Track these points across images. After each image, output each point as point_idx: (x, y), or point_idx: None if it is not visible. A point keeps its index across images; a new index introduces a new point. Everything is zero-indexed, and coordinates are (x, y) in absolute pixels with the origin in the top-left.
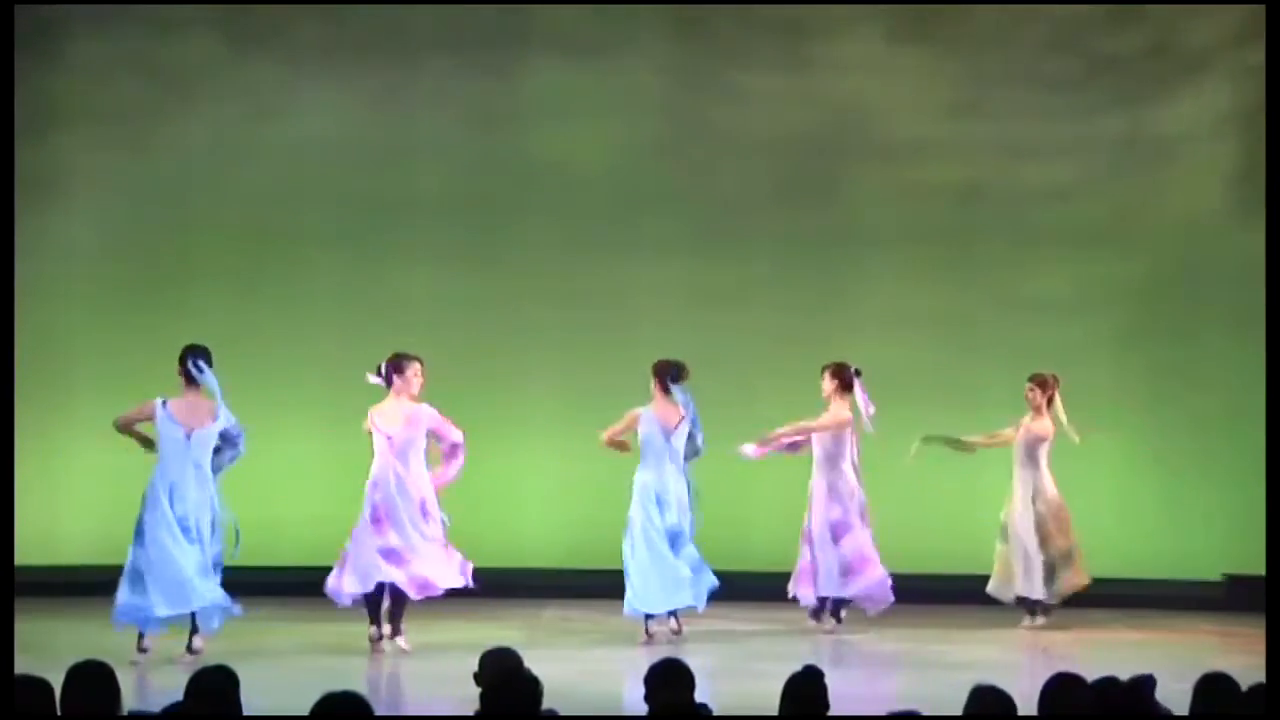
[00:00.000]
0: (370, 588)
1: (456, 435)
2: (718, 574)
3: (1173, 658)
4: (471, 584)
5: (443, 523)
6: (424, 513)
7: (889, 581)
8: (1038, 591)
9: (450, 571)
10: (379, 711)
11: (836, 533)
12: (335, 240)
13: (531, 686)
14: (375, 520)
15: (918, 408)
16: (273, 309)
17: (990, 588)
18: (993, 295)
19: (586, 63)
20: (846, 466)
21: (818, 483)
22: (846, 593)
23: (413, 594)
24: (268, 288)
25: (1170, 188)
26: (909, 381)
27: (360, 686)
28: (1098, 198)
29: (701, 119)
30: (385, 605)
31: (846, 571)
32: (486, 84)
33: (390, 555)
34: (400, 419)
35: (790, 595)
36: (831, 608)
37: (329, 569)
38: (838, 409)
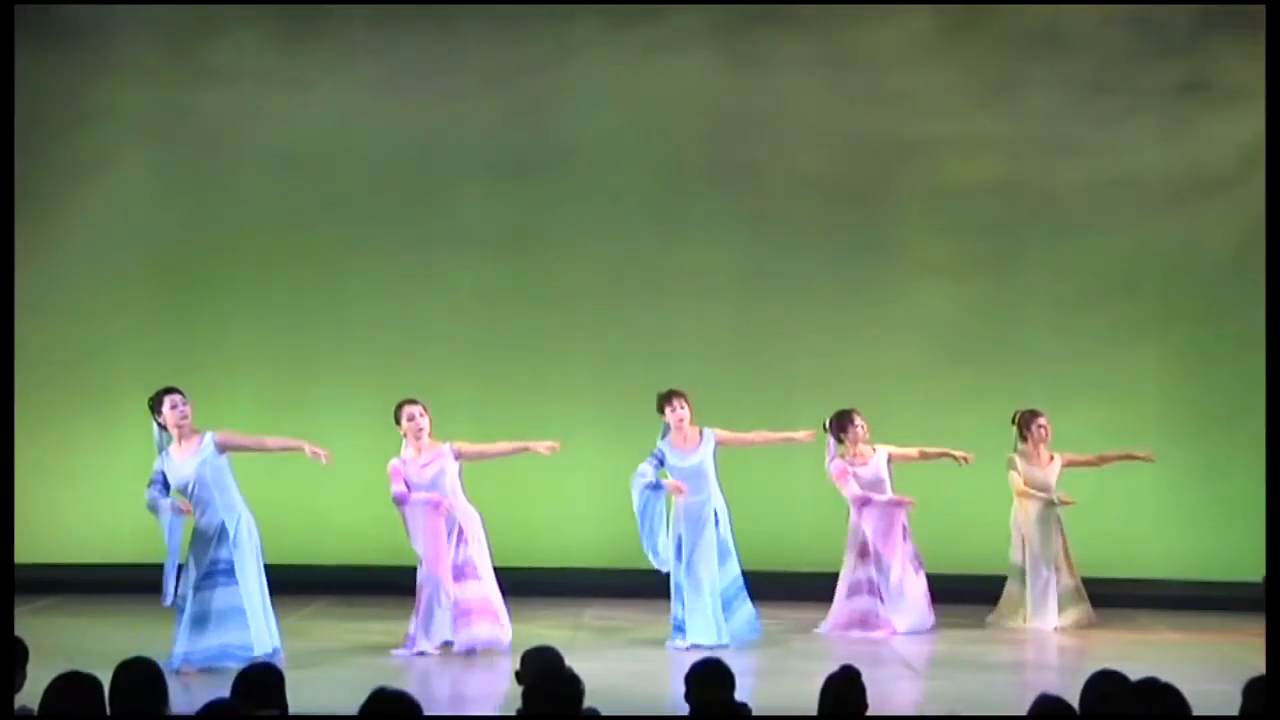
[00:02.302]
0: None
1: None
2: (759, 574)
3: (1215, 659)
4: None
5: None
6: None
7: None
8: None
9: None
10: (425, 709)
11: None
12: (377, 234)
13: (572, 686)
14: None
15: (958, 407)
16: (314, 304)
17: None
18: (1033, 292)
19: (630, 49)
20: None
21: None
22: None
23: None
24: (308, 283)
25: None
26: (945, 378)
27: (406, 684)
28: (1140, 194)
29: (746, 106)
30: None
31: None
32: (528, 74)
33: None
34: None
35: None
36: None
37: (373, 568)
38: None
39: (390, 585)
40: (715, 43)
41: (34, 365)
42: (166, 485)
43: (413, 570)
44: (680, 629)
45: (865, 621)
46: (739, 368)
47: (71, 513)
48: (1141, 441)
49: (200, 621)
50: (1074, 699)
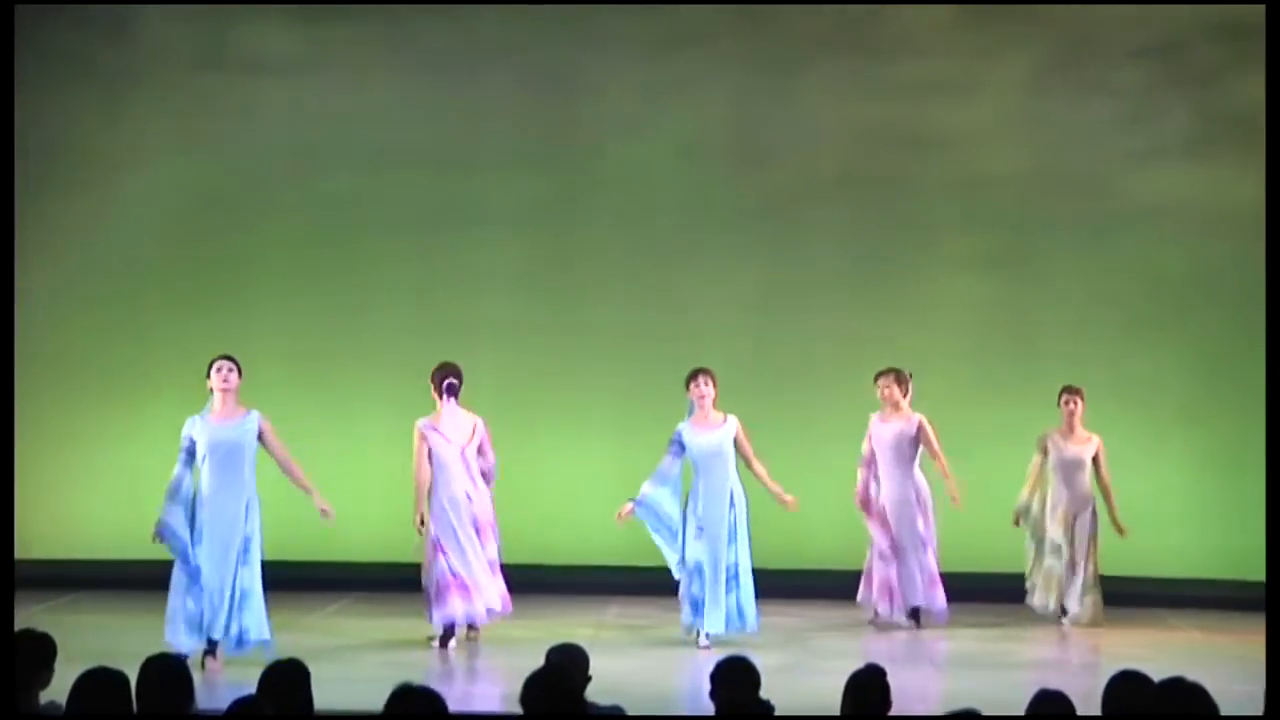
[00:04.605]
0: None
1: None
2: (779, 572)
3: (1241, 659)
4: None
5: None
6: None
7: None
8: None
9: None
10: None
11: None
12: (402, 237)
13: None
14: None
15: (985, 405)
16: (338, 301)
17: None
18: (1057, 288)
19: (652, 65)
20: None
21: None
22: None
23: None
24: (333, 281)
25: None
26: (974, 376)
27: (430, 681)
28: (1166, 188)
29: (770, 95)
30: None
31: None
32: (551, 87)
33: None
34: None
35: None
36: (909, 612)
37: (397, 564)
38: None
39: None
40: (741, 28)
41: (59, 359)
42: (193, 453)
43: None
44: (697, 608)
45: (887, 591)
46: (762, 362)
47: (99, 506)
48: (1165, 437)
49: (245, 597)
50: (1096, 699)
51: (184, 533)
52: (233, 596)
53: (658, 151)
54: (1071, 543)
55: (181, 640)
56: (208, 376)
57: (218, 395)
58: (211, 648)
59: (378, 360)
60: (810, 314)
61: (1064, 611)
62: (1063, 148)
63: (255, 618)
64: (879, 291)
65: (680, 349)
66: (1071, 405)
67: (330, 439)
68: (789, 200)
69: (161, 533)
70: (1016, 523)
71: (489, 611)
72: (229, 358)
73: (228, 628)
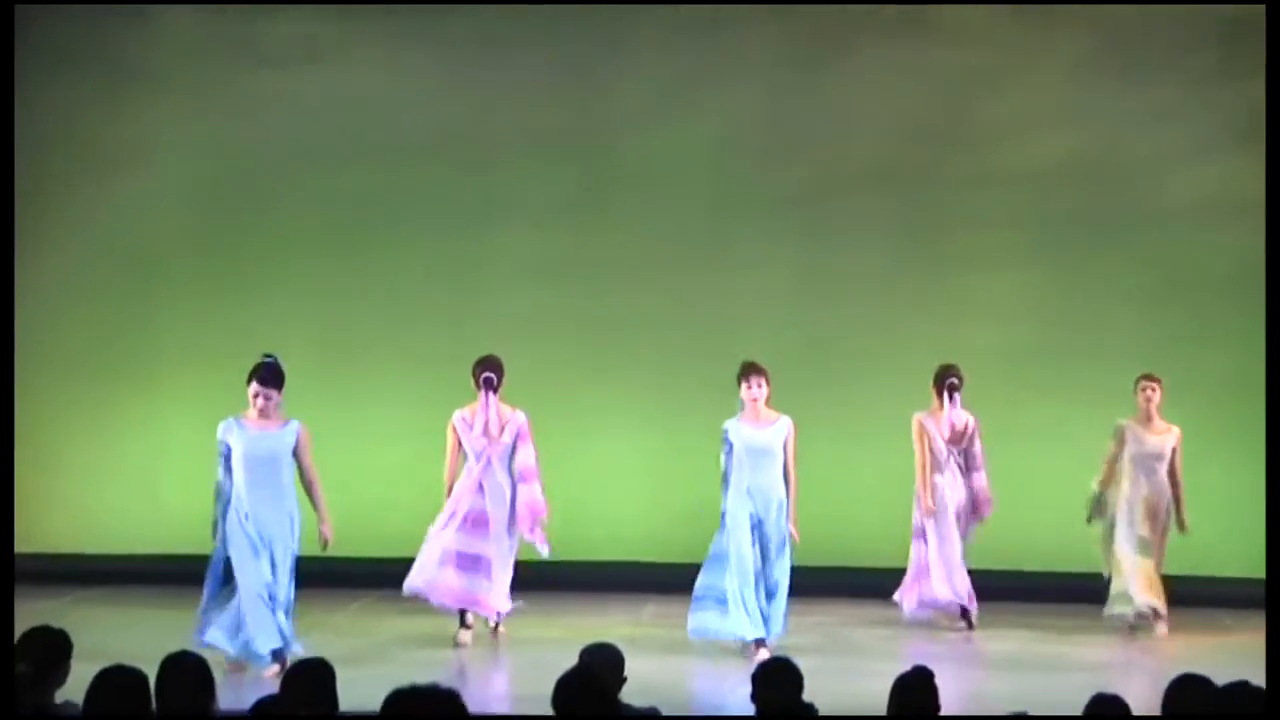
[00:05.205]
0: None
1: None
2: (825, 570)
3: None
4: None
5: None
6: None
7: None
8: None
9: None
10: (474, 707)
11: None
12: (428, 227)
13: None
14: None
15: (1032, 401)
16: (363, 288)
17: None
18: (1105, 280)
19: (687, 51)
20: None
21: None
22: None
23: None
24: (358, 269)
25: None
26: (1018, 371)
27: (456, 681)
28: (1217, 180)
29: (805, 89)
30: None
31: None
32: (580, 75)
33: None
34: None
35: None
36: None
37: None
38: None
39: None
40: (777, 26)
41: (74, 348)
42: (229, 458)
43: None
44: (721, 601)
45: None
46: (795, 369)
47: (115, 500)
48: (1223, 435)
49: (290, 613)
50: (1156, 704)
51: (229, 541)
52: (283, 608)
53: (691, 140)
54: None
55: (221, 641)
56: (249, 383)
57: (254, 410)
58: (276, 656)
59: (403, 352)
60: (849, 306)
61: (1156, 615)
62: (1110, 138)
63: (289, 628)
64: (918, 286)
65: (714, 343)
66: (1149, 393)
67: (352, 433)
68: (825, 191)
69: (213, 534)
70: (1090, 519)
71: (469, 600)
72: (271, 380)
73: (281, 635)
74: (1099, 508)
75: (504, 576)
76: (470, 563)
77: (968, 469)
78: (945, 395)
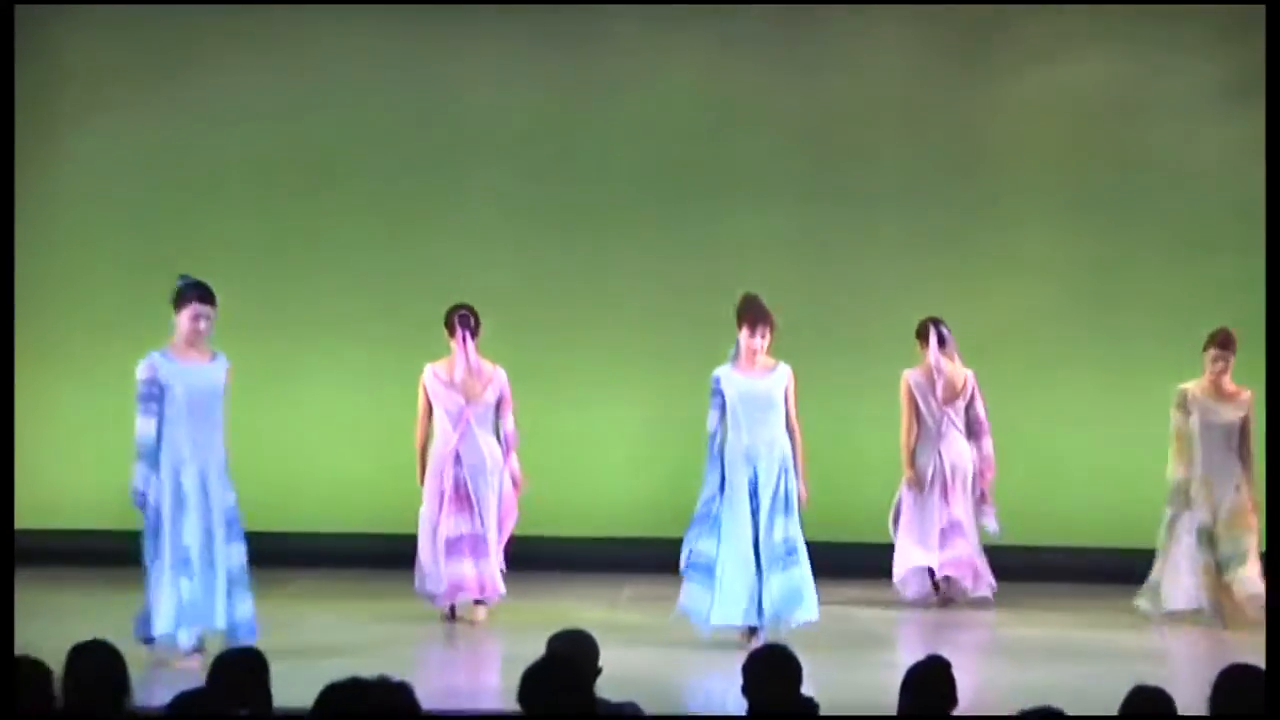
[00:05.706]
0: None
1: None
2: (826, 545)
3: None
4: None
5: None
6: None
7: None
8: None
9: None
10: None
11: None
12: (398, 188)
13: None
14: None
15: (1050, 365)
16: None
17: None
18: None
19: None
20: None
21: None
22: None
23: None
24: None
25: None
26: (1035, 334)
27: (412, 672)
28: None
29: (813, 54)
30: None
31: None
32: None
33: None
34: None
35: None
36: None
37: (359, 535)
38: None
39: (381, 556)
40: None
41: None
42: (159, 400)
43: (407, 538)
44: (709, 573)
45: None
46: (803, 331)
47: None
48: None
49: (235, 583)
50: (1194, 695)
51: (165, 503)
52: (226, 581)
53: (692, 104)
54: (1215, 524)
55: (179, 634)
56: (176, 308)
57: (187, 334)
58: (199, 643)
59: (343, 316)
60: (863, 262)
61: (1215, 610)
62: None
63: (247, 609)
64: (937, 240)
65: (713, 306)
66: (1214, 365)
67: (276, 397)
68: (836, 148)
69: (140, 504)
70: (1172, 503)
71: (490, 589)
72: (209, 299)
73: (228, 616)
74: (1182, 490)
75: (499, 553)
76: (474, 544)
77: (973, 433)
78: (932, 341)
